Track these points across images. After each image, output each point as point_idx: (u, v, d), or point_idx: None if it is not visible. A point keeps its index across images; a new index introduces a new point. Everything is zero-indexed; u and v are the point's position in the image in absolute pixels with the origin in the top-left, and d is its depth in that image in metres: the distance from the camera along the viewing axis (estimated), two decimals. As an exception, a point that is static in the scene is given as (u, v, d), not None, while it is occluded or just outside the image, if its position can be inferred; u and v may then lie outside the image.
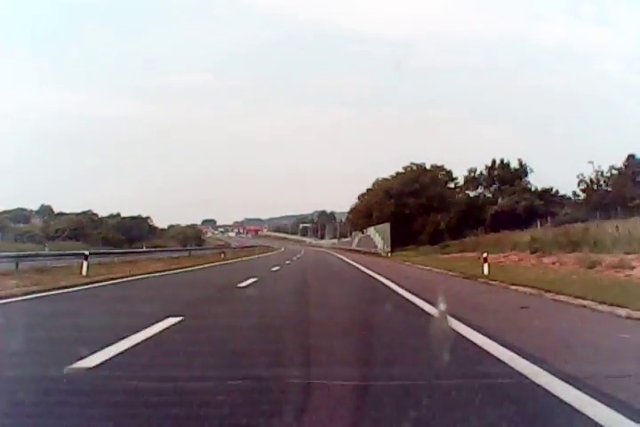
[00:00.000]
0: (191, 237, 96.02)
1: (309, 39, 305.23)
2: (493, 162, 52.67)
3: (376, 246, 60.50)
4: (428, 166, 67.36)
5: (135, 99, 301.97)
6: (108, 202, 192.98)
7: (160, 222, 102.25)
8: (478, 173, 53.03)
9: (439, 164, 67.38)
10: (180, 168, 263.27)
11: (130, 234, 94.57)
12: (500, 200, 50.41)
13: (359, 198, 78.49)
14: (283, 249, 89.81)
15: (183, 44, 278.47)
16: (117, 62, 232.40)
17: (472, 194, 56.12)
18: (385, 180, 69.14)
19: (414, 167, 67.06)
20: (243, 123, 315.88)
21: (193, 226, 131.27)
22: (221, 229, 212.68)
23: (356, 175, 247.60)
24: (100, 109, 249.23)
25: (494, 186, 52.44)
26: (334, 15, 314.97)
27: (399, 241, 53.13)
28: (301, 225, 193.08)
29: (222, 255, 39.20)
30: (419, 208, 63.33)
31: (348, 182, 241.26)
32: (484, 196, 53.00)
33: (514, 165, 53.07)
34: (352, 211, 79.08)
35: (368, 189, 76.71)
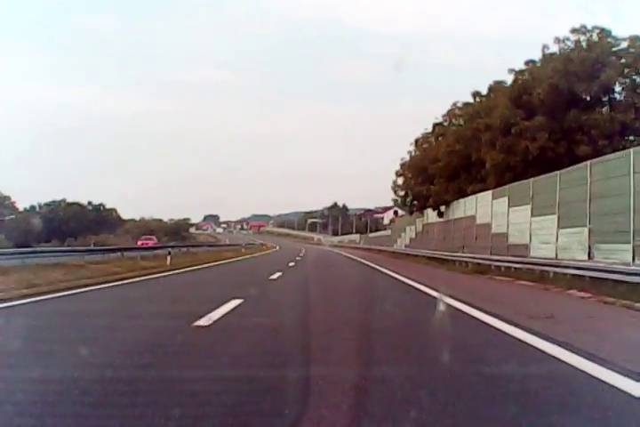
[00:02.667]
0: (159, 231, 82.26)
1: (323, 36, 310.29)
2: None
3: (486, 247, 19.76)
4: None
5: (144, 94, 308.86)
6: (109, 198, 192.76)
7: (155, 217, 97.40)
8: None
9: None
10: (186, 164, 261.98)
11: (67, 226, 79.97)
12: None
13: (418, 145, 36.67)
14: (277, 248, 65.53)
15: (193, 41, 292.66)
16: (126, 58, 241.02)
17: None
18: (496, 85, 27.74)
19: (581, 39, 25.40)
20: (250, 120, 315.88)
21: (185, 220, 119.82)
22: (223, 226, 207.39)
23: (369, 174, 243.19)
24: (105, 105, 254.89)
25: None
26: (344, 13, 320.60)
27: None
28: (309, 220, 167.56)
29: None
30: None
31: (360, 180, 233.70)
32: None
33: None
34: (401, 173, 36.98)
35: (436, 125, 35.21)
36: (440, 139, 34.73)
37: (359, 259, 32.26)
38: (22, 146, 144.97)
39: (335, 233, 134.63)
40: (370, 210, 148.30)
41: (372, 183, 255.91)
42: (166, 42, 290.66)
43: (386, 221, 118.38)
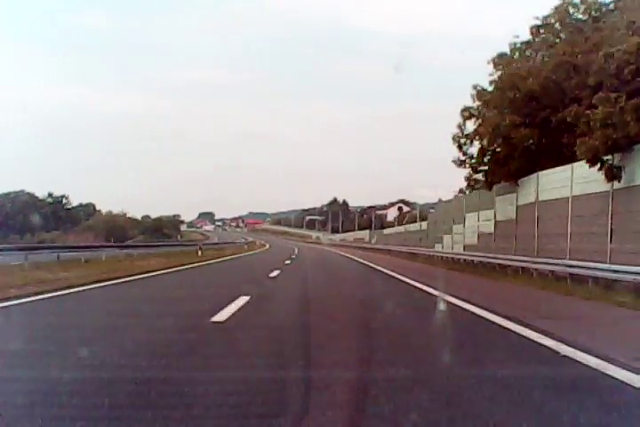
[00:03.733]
0: (135, 228, 79.34)
1: (323, 36, 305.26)
2: None
3: None
4: None
5: (144, 94, 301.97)
6: (106, 196, 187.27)
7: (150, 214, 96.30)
8: None
9: None
10: (184, 163, 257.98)
11: (14, 221, 70.71)
12: None
13: (503, 64, 19.93)
14: (266, 247, 59.05)
15: (193, 41, 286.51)
16: (126, 58, 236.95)
17: None
18: None
19: None
20: (250, 120, 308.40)
21: (174, 216, 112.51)
22: (218, 223, 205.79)
23: (368, 173, 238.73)
24: (104, 105, 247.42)
25: None
26: (344, 13, 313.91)
27: None
28: (308, 217, 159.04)
29: None
30: None
31: (360, 179, 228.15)
32: None
33: None
34: (470, 113, 20.33)
35: (538, 28, 18.76)
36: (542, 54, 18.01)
37: (413, 282, 15.35)
38: (20, 145, 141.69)
39: (335, 231, 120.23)
40: (371, 207, 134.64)
41: (371, 182, 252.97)
42: (166, 42, 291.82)
43: (389, 218, 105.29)
